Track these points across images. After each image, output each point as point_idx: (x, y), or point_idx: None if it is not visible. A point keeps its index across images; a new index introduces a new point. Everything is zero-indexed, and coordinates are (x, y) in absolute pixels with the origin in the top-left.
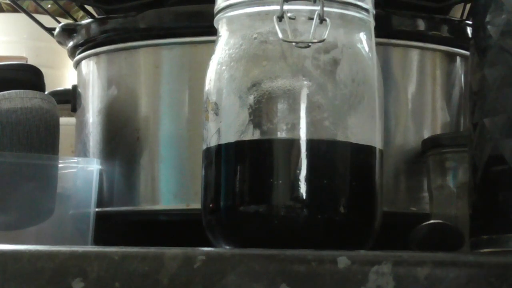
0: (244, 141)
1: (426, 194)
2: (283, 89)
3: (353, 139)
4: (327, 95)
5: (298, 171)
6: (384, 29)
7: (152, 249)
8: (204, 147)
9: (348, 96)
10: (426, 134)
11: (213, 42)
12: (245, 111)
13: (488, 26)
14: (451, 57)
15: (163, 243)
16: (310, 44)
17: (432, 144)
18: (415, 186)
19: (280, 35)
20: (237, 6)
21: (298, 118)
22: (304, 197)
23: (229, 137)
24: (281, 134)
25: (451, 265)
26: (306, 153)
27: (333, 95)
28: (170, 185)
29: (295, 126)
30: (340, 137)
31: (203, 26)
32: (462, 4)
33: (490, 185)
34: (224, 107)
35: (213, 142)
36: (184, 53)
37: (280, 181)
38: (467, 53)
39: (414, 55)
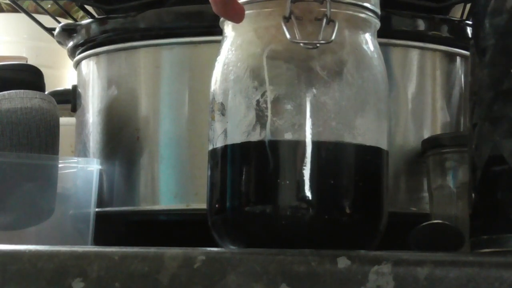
0: (251, 141)
1: (426, 194)
2: (290, 90)
3: (360, 140)
4: (334, 96)
5: (304, 172)
6: (384, 29)
7: (152, 249)
8: (210, 147)
9: (354, 97)
10: (426, 134)
11: (213, 42)
12: (252, 112)
13: (488, 26)
14: (451, 57)
15: (163, 243)
16: (318, 44)
17: (432, 144)
18: (415, 186)
19: (287, 36)
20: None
21: (305, 118)
22: (311, 197)
23: (236, 138)
24: (288, 135)
25: (451, 265)
26: (312, 153)
27: (340, 95)
28: (170, 185)
29: (302, 126)
30: (347, 138)
31: (203, 26)
32: (462, 4)
33: (490, 185)
34: (231, 107)
35: (219, 142)
36: (184, 53)
37: (287, 182)
38: (467, 53)
39: (414, 55)
